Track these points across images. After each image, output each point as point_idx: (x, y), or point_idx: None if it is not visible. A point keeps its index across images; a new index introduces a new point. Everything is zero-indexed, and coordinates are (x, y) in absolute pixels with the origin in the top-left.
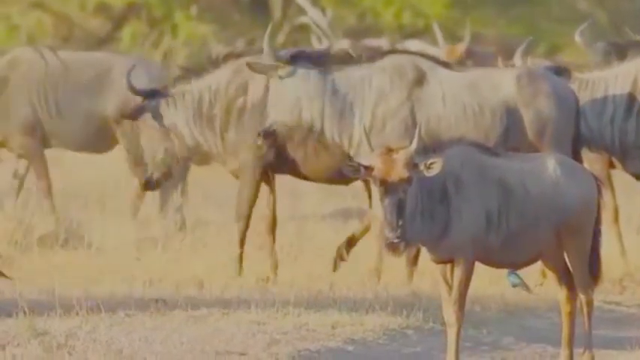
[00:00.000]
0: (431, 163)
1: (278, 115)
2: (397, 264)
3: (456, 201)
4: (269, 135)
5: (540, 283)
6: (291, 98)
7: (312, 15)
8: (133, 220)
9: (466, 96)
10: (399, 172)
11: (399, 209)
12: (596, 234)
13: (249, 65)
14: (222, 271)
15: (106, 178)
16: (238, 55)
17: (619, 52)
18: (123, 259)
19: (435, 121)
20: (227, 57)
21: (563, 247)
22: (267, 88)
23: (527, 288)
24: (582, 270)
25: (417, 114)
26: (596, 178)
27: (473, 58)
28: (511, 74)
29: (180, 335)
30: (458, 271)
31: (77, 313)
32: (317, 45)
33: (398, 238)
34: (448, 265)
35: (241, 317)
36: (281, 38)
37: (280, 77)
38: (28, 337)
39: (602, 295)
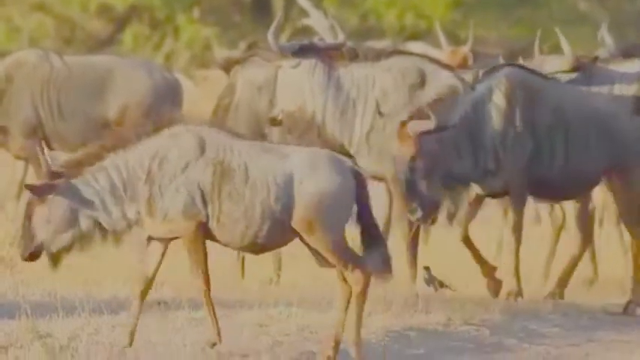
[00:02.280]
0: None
1: (283, 105)
2: (399, 266)
3: (158, 178)
4: (275, 123)
5: (543, 285)
6: (296, 89)
7: (314, 17)
8: None
9: None
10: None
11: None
12: (371, 226)
13: (260, 54)
14: (224, 273)
15: None
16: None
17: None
18: (125, 261)
19: None
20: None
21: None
22: (256, 89)
23: (436, 286)
24: (341, 264)
25: None
26: (359, 177)
27: (477, 60)
28: None
29: (183, 337)
30: (187, 249)
31: (80, 315)
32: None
33: None
34: None
35: (244, 319)
36: (283, 40)
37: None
38: (31, 339)
39: (604, 297)
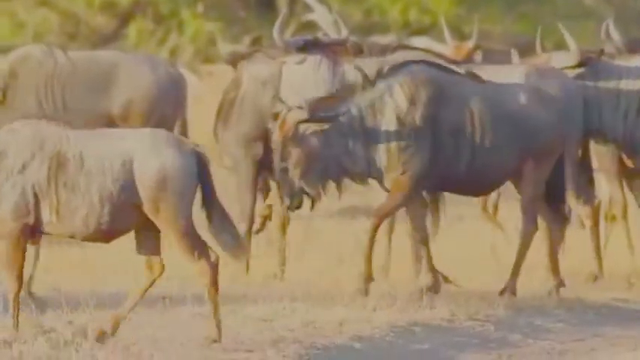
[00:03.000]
0: None
1: (288, 101)
2: (404, 261)
3: None
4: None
5: (548, 280)
6: (300, 85)
7: (318, 13)
8: None
9: None
10: None
11: None
12: (217, 206)
13: (264, 52)
14: (229, 268)
15: None
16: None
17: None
18: (130, 256)
19: None
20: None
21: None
22: (261, 84)
23: (444, 279)
24: (187, 250)
25: None
26: (200, 157)
27: (483, 56)
28: (519, 71)
29: (188, 332)
30: (5, 249)
31: (84, 311)
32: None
33: None
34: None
35: (248, 314)
36: (288, 35)
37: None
38: (35, 335)
39: (610, 292)
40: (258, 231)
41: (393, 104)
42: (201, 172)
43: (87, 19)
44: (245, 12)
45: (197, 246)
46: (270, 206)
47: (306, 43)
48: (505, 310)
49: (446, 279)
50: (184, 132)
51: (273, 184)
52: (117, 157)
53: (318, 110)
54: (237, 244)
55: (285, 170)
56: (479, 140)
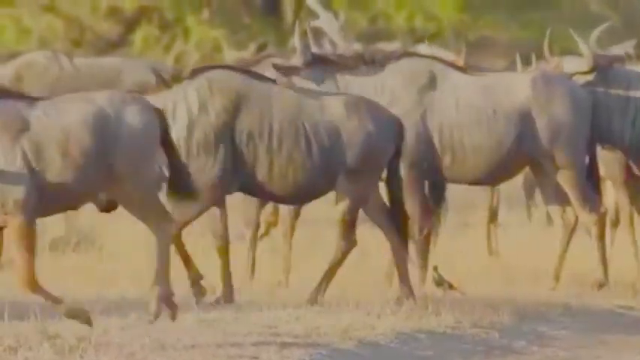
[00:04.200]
0: None
1: None
2: (409, 268)
3: None
4: None
5: (552, 287)
6: None
7: (324, 19)
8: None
9: (480, 100)
10: None
11: None
12: None
13: (275, 65)
14: (234, 274)
15: None
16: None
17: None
18: (134, 262)
19: (448, 126)
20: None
21: None
22: None
23: (446, 287)
24: None
25: (429, 118)
26: None
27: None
28: (526, 78)
29: (192, 339)
30: None
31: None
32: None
33: None
34: None
35: (253, 321)
36: (293, 42)
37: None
38: (40, 341)
39: (615, 299)
40: (262, 236)
41: (186, 109)
42: None
43: (92, 26)
44: (250, 18)
45: None
46: (276, 212)
47: (314, 57)
48: (510, 317)
49: (451, 286)
50: None
51: None
52: None
53: None
54: None
55: None
56: (277, 149)
